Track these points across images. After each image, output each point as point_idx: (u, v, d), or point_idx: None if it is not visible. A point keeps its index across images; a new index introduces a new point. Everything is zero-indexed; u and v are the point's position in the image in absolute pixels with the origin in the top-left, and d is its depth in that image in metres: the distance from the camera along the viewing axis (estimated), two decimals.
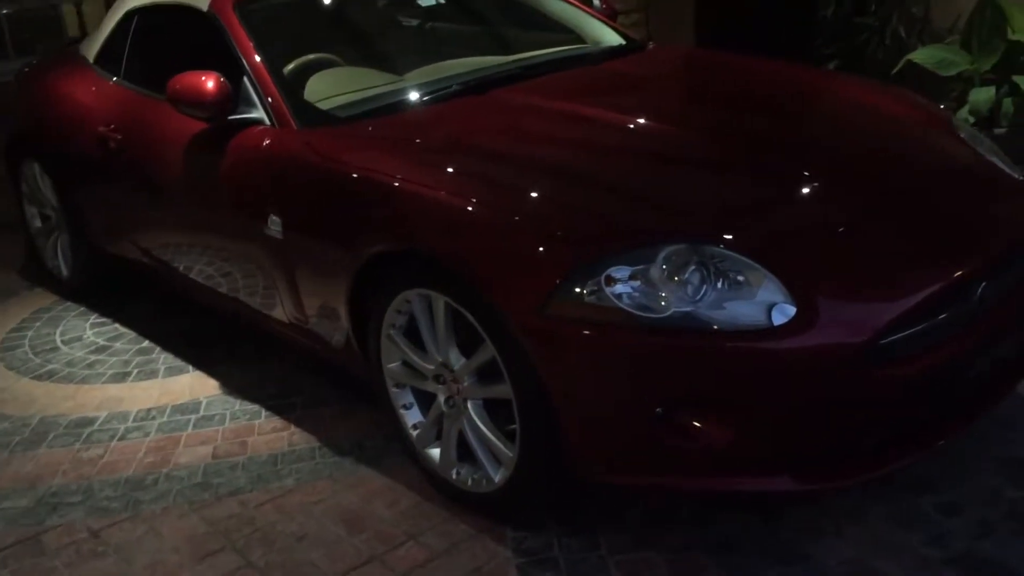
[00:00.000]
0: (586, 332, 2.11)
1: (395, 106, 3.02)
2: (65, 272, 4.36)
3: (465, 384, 2.45)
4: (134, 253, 3.80)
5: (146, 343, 3.86)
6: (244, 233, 3.00)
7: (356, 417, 3.12)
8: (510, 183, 2.44)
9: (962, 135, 2.80)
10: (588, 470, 2.25)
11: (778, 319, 2.03)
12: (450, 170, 2.55)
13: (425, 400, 2.67)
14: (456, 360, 2.45)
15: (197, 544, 2.56)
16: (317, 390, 3.31)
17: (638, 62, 3.42)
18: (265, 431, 3.11)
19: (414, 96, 3.08)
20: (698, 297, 2.07)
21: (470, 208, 2.35)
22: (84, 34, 6.07)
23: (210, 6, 3.33)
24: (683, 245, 2.13)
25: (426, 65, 3.40)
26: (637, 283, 2.10)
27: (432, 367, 2.53)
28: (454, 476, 2.58)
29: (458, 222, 2.34)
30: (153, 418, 3.26)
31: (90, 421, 3.28)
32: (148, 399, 3.40)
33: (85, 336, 3.98)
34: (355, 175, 2.61)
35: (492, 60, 3.43)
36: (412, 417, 2.70)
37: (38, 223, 4.52)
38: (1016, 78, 4.33)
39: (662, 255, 2.11)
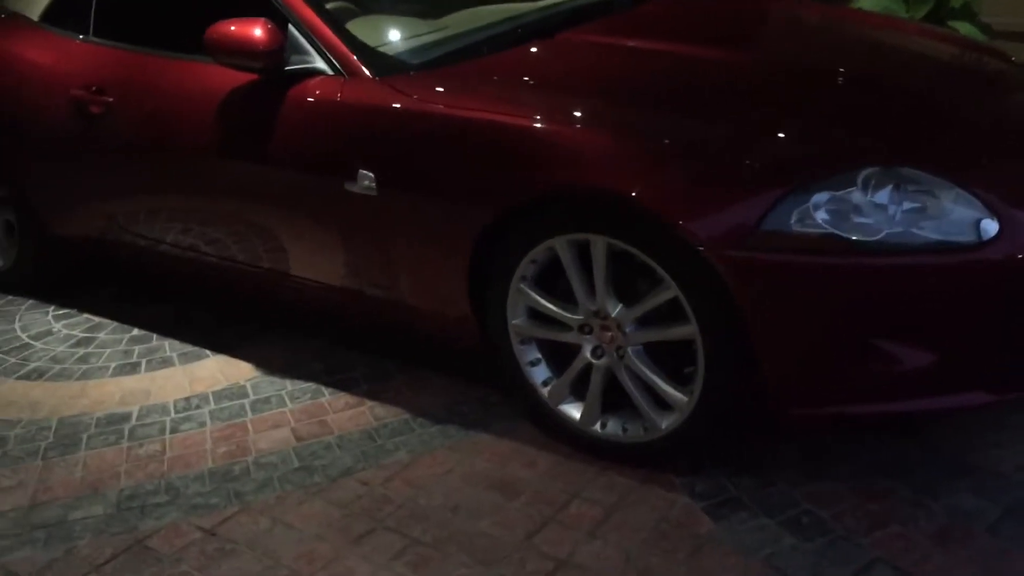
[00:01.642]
0: (796, 260, 2.08)
1: (467, 51, 2.84)
2: (0, 262, 3.86)
3: (628, 331, 2.36)
4: (117, 234, 3.41)
5: (137, 331, 3.47)
6: (314, 192, 2.75)
7: (431, 385, 2.95)
8: (679, 116, 2.36)
9: None
10: (786, 405, 2.23)
11: (986, 234, 2.08)
12: (597, 107, 2.43)
13: (554, 355, 2.56)
14: (614, 306, 2.36)
15: (341, 529, 2.34)
16: (370, 363, 3.10)
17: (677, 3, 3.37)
18: (339, 408, 2.88)
19: (480, 41, 2.91)
20: (899, 218, 2.09)
21: (651, 144, 2.26)
22: None
23: None
24: (879, 168, 2.14)
25: (454, 12, 3.22)
26: (842, 208, 2.09)
27: (580, 317, 2.42)
28: (599, 429, 2.49)
29: (636, 159, 2.24)
30: (198, 407, 2.94)
31: (123, 417, 2.92)
32: (179, 388, 3.06)
33: (55, 330, 3.54)
34: (481, 121, 2.44)
35: (523, 7, 3.29)
36: (540, 374, 2.58)
37: None
38: (950, 23, 4.64)
39: (861, 178, 2.12)
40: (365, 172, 2.60)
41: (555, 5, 3.26)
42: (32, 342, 3.46)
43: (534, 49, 2.86)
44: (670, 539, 2.22)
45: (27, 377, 3.21)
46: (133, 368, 3.22)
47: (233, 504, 2.47)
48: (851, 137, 2.29)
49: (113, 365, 3.25)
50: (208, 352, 3.28)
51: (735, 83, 2.57)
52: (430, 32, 3.01)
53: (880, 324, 2.11)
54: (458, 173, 2.48)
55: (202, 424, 2.86)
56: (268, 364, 3.15)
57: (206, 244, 3.17)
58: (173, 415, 2.91)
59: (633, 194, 2.20)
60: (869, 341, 2.12)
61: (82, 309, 3.69)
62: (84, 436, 2.84)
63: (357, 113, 2.63)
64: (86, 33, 3.37)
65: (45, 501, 2.54)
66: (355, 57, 2.72)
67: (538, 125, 2.37)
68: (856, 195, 2.10)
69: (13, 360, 3.33)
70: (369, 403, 2.89)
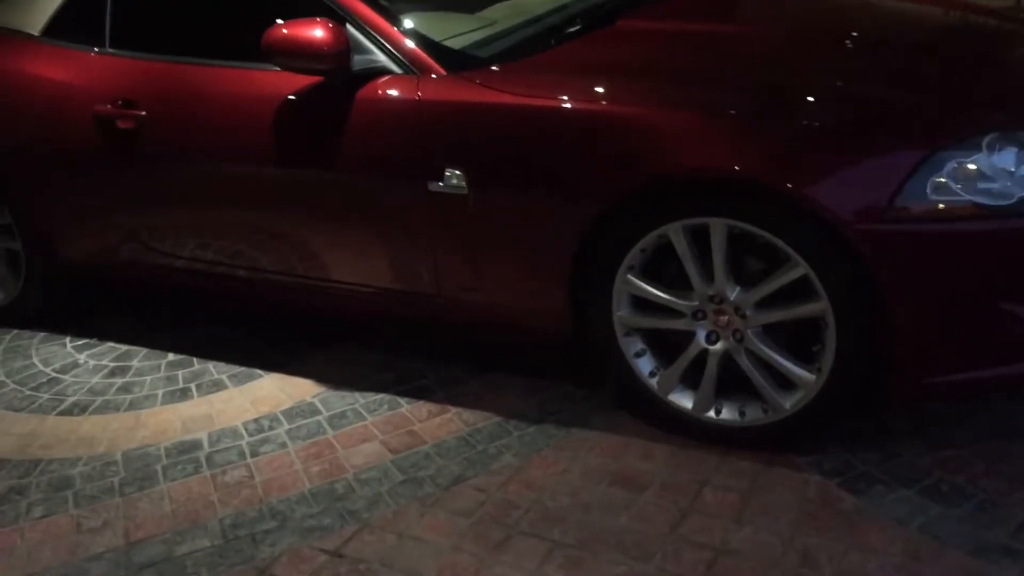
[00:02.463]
0: (935, 229, 2.10)
1: (534, 44, 2.78)
2: (1, 295, 3.62)
3: (748, 313, 2.34)
4: (144, 255, 3.23)
5: (172, 356, 3.30)
6: (390, 194, 2.66)
7: (509, 386, 2.89)
8: (793, 96, 2.37)
9: None
10: (919, 375, 2.24)
11: None
12: (703, 91, 2.40)
13: (657, 344, 2.53)
14: (731, 290, 2.34)
15: (476, 537, 2.26)
16: (436, 369, 3.02)
17: None
18: (422, 417, 2.79)
19: (542, 33, 2.86)
20: None
21: (775, 124, 2.26)
22: None
23: None
24: (999, 133, 2.17)
25: (492, 5, 3.16)
26: (971, 174, 2.12)
27: (694, 303, 2.39)
28: (713, 415, 2.47)
29: (761, 140, 2.23)
30: (271, 428, 2.81)
31: (194, 444, 2.77)
32: (242, 411, 2.92)
33: (81, 361, 3.34)
34: (582, 111, 2.39)
35: None
36: (646, 365, 2.54)
37: None
38: None
39: (985, 143, 2.14)
40: (453, 171, 2.52)
41: None
42: (60, 376, 3.25)
43: (604, 38, 2.82)
44: (819, 518, 2.21)
45: (69, 412, 3.02)
46: (183, 394, 3.06)
47: (349, 523, 2.36)
48: (967, 105, 2.33)
49: (160, 393, 3.08)
50: (260, 372, 3.14)
51: (828, 60, 2.59)
52: (482, 26, 2.94)
53: (1013, 287, 2.14)
54: (561, 166, 2.42)
55: (282, 445, 2.73)
56: (329, 379, 3.04)
57: (251, 258, 3.04)
58: (247, 438, 2.78)
59: (760, 175, 2.18)
60: (1001, 305, 2.15)
61: (102, 338, 3.49)
62: (158, 468, 2.68)
63: (440, 111, 2.55)
64: (101, 45, 3.19)
65: (142, 539, 2.39)
66: (425, 54, 2.64)
67: (645, 111, 2.33)
68: (983, 161, 2.13)
69: (46, 396, 3.13)
70: (452, 409, 2.81)
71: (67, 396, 3.12)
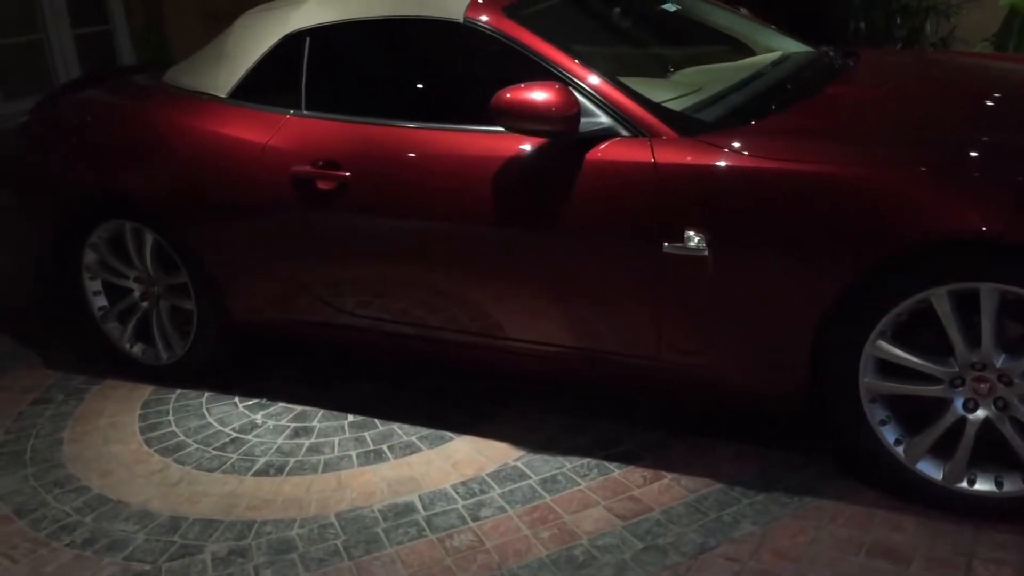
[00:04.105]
0: None
1: (755, 108, 2.79)
2: (165, 355, 3.61)
3: (1017, 380, 2.29)
4: (327, 315, 3.22)
5: (352, 417, 3.27)
6: (618, 256, 2.64)
7: (717, 450, 2.84)
8: None
9: None
10: None
11: None
12: (953, 153, 2.39)
13: (901, 411, 2.48)
14: (998, 356, 2.30)
15: None
16: (633, 432, 2.98)
17: (890, 62, 3.42)
18: (639, 483, 2.73)
19: (759, 97, 2.88)
20: None
21: None
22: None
23: (469, 16, 2.93)
24: None
25: (673, 71, 3.20)
26: None
27: (954, 369, 2.35)
28: (966, 485, 2.40)
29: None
30: (484, 492, 2.76)
31: (408, 507, 2.72)
32: (445, 473, 2.87)
33: (259, 421, 3.30)
34: (834, 174, 2.37)
35: (748, 63, 3.28)
36: (890, 433, 2.49)
37: (102, 301, 3.73)
38: None
39: None
40: (693, 233, 2.51)
41: (781, 61, 3.26)
42: (243, 436, 3.22)
43: (821, 103, 2.83)
44: None
45: (265, 473, 2.98)
46: (378, 456, 3.01)
47: None
48: None
49: (354, 454, 3.04)
50: (449, 434, 3.09)
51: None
52: (689, 91, 2.95)
53: None
54: (812, 230, 2.40)
55: (501, 509, 2.67)
56: (525, 441, 2.99)
57: (448, 318, 3.02)
58: (462, 502, 2.72)
59: None
60: None
61: (272, 397, 3.46)
62: (378, 530, 2.62)
63: (680, 173, 2.54)
64: (297, 108, 3.21)
65: None
66: (655, 117, 2.65)
67: (900, 174, 2.32)
68: None
69: (236, 457, 3.09)
70: (667, 475, 2.75)
71: (256, 456, 3.08)
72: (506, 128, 2.68)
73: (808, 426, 2.79)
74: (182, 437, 3.24)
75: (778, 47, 3.48)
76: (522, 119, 2.63)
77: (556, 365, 2.95)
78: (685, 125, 2.65)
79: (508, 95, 2.63)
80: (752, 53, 3.52)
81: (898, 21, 5.20)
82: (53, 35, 5.15)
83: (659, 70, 3.28)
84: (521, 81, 2.66)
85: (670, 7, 3.47)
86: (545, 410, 3.16)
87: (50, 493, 2.96)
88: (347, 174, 3.01)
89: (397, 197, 2.96)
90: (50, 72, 5.20)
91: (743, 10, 3.81)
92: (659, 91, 2.91)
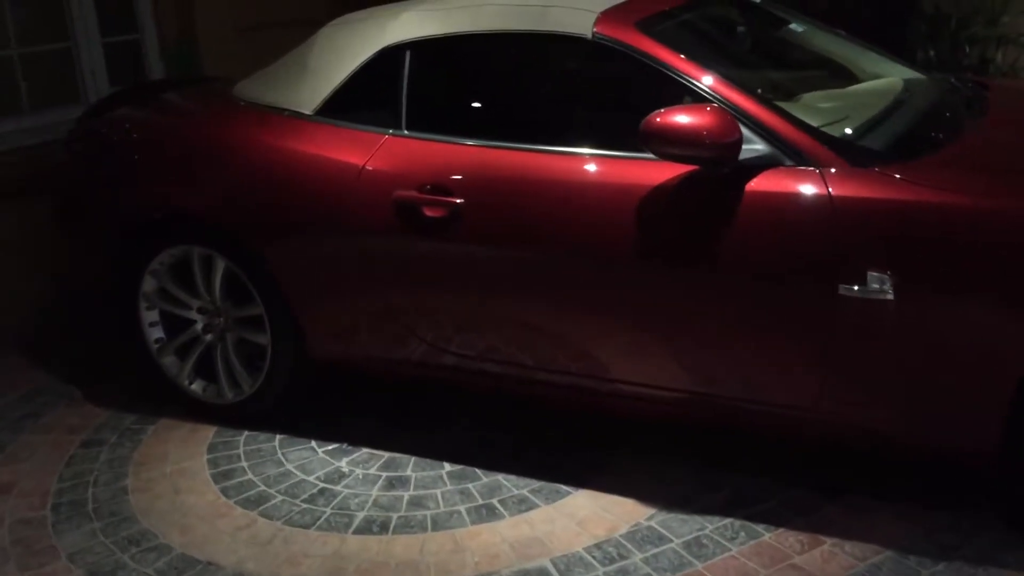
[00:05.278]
0: None
1: (915, 139, 2.58)
2: (230, 394, 3.30)
3: None
4: (421, 352, 2.95)
5: (449, 466, 2.98)
6: (787, 295, 2.40)
7: (874, 511, 2.61)
8: None
9: None
10: None
11: None
12: None
13: None
14: None
15: None
16: (774, 488, 2.74)
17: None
18: (796, 548, 2.48)
19: (920, 126, 2.66)
20: None
21: None
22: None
23: (598, 32, 2.69)
24: None
25: (798, 95, 2.98)
26: None
27: None
28: None
29: None
30: (623, 556, 2.49)
31: (542, 573, 2.44)
32: (572, 534, 2.61)
33: (345, 470, 3.01)
34: None
35: (877, 86, 3.07)
36: None
37: (159, 333, 3.42)
38: None
39: None
40: (878, 274, 2.27)
41: (911, 88, 3.05)
42: (331, 486, 2.92)
43: (989, 135, 2.63)
44: None
45: (368, 531, 2.68)
46: (491, 512, 2.73)
47: None
48: None
49: (463, 509, 2.76)
50: (564, 487, 2.82)
51: None
52: (838, 118, 2.72)
53: None
54: (1021, 273, 2.17)
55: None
56: (654, 497, 2.73)
57: (567, 360, 2.76)
58: (602, 568, 2.45)
59: None
60: None
61: (354, 442, 3.17)
62: None
63: (861, 208, 2.31)
64: (397, 127, 2.94)
65: None
66: (825, 146, 2.42)
67: None
68: None
69: (330, 511, 2.79)
70: (826, 539, 2.50)
71: (353, 511, 2.78)
72: (655, 154, 2.44)
73: (947, 478, 2.57)
74: (263, 487, 2.94)
75: (883, 72, 3.27)
76: (676, 145, 2.39)
77: (683, 411, 2.70)
78: (857, 155, 2.42)
79: (660, 119, 2.39)
80: (853, 76, 3.31)
81: (967, 50, 5.04)
82: (83, 43, 4.83)
83: (786, 93, 3.05)
84: (656, 103, 2.43)
85: (796, 27, 3.25)
86: (665, 459, 2.90)
87: (126, 552, 2.65)
88: (459, 200, 2.74)
89: (519, 227, 2.70)
90: (78, 82, 4.88)
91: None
92: (804, 116, 2.69)
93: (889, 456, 2.63)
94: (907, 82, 3.08)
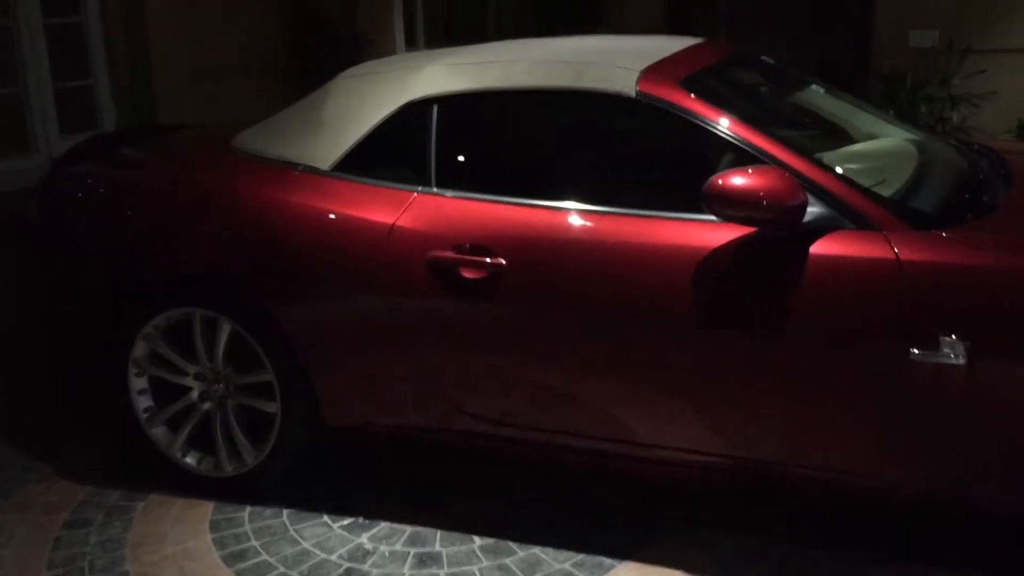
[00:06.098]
0: None
1: (959, 201, 2.61)
2: (230, 466, 3.08)
3: None
4: (451, 420, 2.82)
5: (480, 540, 2.84)
6: (853, 360, 2.37)
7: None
8: None
9: None
10: None
11: None
12: None
13: None
14: None
15: None
16: (822, 555, 2.68)
17: None
18: None
19: (955, 189, 2.69)
20: None
21: None
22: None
23: (643, 91, 2.65)
24: None
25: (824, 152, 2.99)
26: None
27: None
28: None
29: None
30: None
31: None
32: None
33: (367, 546, 2.83)
34: None
35: (891, 146, 3.11)
36: None
37: (148, 401, 3.19)
38: None
39: None
40: (952, 339, 2.26)
41: (926, 147, 3.09)
42: (357, 566, 2.74)
43: None
44: None
45: None
46: None
47: None
48: None
49: None
50: (607, 560, 2.71)
51: None
52: (878, 180, 2.73)
53: None
54: None
55: None
56: (702, 569, 2.64)
57: (615, 428, 2.66)
58: None
59: None
60: None
61: (369, 515, 2.99)
62: None
63: (934, 273, 2.30)
64: (426, 184, 2.82)
65: None
66: (886, 210, 2.42)
67: None
68: None
69: None
70: None
71: None
72: (718, 216, 2.39)
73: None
74: (282, 568, 2.73)
75: (879, 131, 3.31)
76: (741, 207, 2.35)
77: (729, 477, 2.64)
78: (916, 219, 2.42)
79: (723, 181, 2.35)
80: (850, 135, 3.35)
81: (923, 109, 5.23)
82: (33, 88, 4.56)
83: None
84: (705, 163, 2.42)
85: (818, 89, 3.27)
86: (707, 526, 2.82)
87: None
88: (502, 261, 2.64)
89: (566, 289, 2.61)
90: (28, 129, 4.59)
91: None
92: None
93: (960, 519, 2.61)
94: (918, 143, 3.13)
